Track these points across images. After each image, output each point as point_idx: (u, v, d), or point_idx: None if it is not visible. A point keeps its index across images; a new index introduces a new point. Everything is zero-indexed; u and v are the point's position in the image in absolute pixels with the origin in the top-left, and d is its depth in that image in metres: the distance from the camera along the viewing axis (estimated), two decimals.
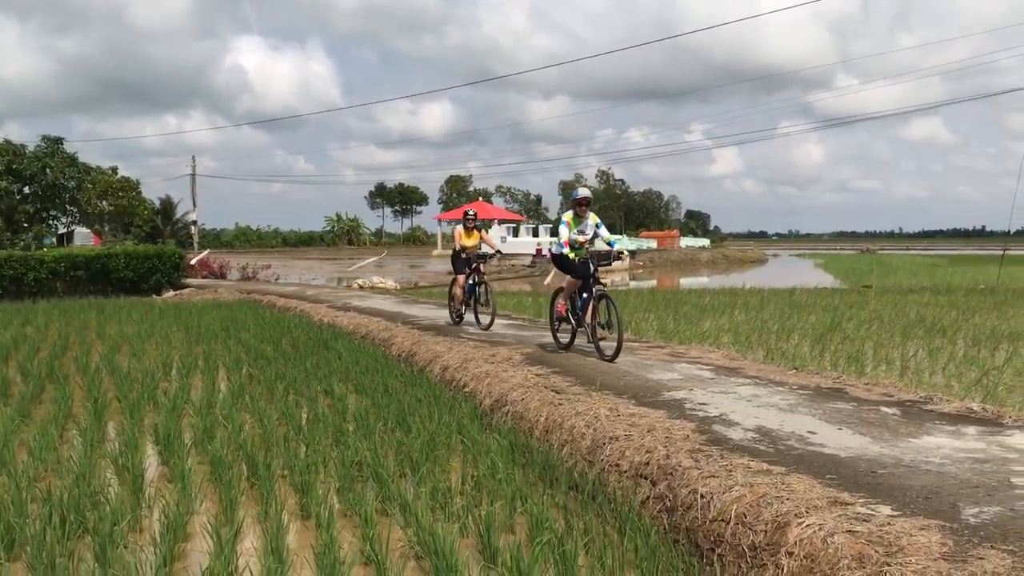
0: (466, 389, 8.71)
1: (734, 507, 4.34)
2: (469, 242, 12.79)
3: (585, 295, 9.41)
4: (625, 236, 69.66)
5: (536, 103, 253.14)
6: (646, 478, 5.23)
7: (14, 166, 50.13)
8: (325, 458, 6.35)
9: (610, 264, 9.55)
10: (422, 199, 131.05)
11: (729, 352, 10.47)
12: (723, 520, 4.34)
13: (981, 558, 3.40)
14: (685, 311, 17.07)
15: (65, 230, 57.01)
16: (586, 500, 5.30)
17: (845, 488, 4.43)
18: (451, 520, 5.11)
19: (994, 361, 10.45)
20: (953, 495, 4.27)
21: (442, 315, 15.36)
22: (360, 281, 34.40)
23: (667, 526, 4.75)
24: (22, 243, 46.84)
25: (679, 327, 14.02)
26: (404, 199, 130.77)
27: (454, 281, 13.32)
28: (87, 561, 4.53)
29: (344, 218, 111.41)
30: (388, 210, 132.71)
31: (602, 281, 9.43)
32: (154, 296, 26.96)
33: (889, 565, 3.40)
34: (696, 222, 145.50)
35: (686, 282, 40.05)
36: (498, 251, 13.20)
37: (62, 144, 53.48)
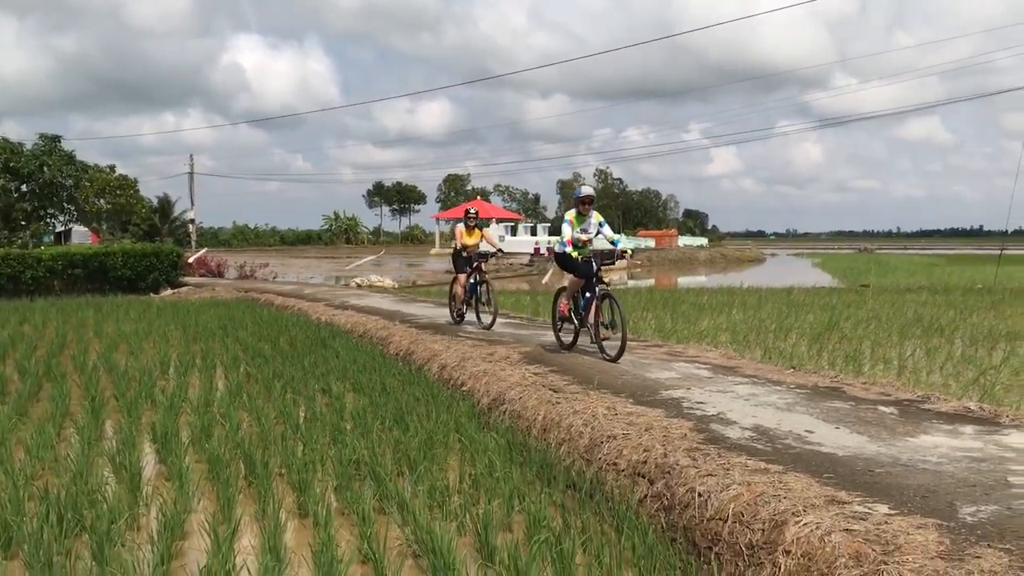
0: (464, 388, 8.71)
1: (731, 506, 4.35)
2: (470, 240, 12.64)
3: (588, 294, 9.30)
4: (623, 235, 69.65)
5: (534, 102, 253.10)
6: (644, 476, 5.24)
7: (11, 164, 50.02)
8: (323, 456, 6.35)
9: (613, 263, 9.40)
10: (420, 198, 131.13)
11: (727, 351, 10.48)
12: (720, 519, 4.34)
13: (978, 557, 3.41)
14: (683, 310, 17.08)
15: (63, 228, 56.93)
16: (584, 499, 5.30)
17: (842, 487, 4.44)
18: (449, 518, 5.11)
19: (991, 360, 10.47)
20: (950, 494, 4.27)
21: (440, 314, 15.35)
22: (358, 280, 34.38)
23: (664, 525, 4.75)
24: (19, 241, 46.80)
25: (677, 326, 14.03)
26: (402, 198, 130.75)
27: (455, 280, 13.17)
28: (84, 559, 4.53)
29: (342, 217, 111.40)
30: (386, 209, 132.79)
31: (605, 280, 9.33)
32: (152, 294, 26.95)
33: (886, 564, 3.40)
34: (694, 221, 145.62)
35: (684, 281, 40.08)
36: (500, 249, 13.07)
37: (60, 142, 53.34)
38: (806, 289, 24.49)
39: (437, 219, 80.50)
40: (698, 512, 4.53)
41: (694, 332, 13.22)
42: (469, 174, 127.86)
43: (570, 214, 9.50)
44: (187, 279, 31.02)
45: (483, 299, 12.72)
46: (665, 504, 4.86)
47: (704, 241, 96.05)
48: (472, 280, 12.64)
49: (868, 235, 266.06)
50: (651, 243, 75.89)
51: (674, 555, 4.36)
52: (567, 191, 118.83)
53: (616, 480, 5.43)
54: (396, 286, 31.75)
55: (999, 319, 15.21)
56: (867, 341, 12.22)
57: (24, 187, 52.38)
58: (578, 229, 9.46)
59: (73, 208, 55.38)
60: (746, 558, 4.03)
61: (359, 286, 30.70)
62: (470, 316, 13.06)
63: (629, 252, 9.52)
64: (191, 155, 59.33)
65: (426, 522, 4.72)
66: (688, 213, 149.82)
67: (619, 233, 10.33)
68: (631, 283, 38.54)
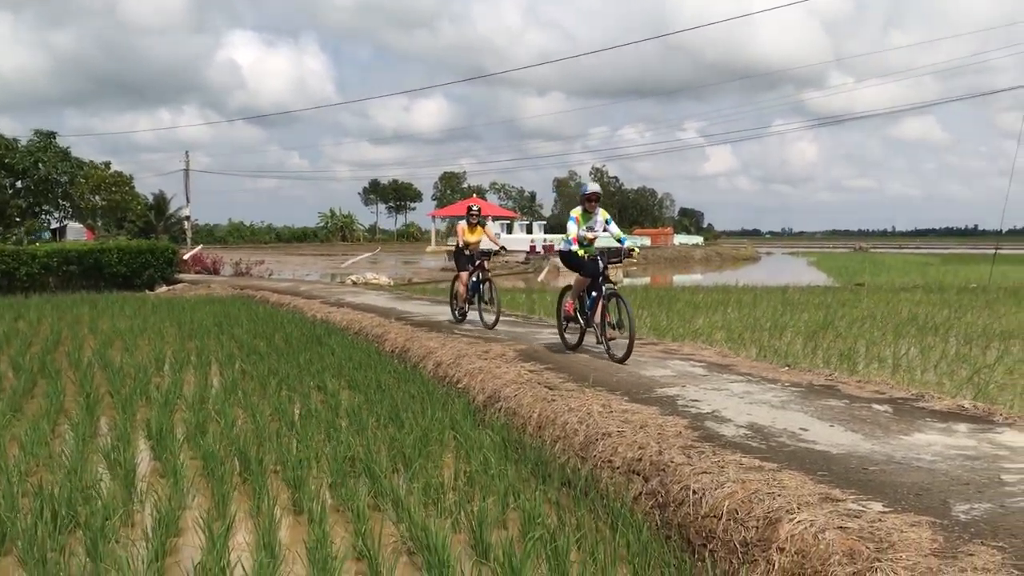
0: (459, 385, 8.72)
1: (726, 503, 4.36)
2: (473, 238, 12.40)
3: (594, 293, 9.09)
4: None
5: (530, 100, 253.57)
6: (638, 474, 5.24)
7: (6, 160, 49.79)
8: (318, 453, 6.35)
9: (620, 261, 9.16)
10: (416, 196, 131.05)
11: (722, 349, 10.49)
12: (715, 516, 4.35)
13: (971, 554, 3.42)
14: (678, 308, 17.09)
15: (58, 225, 56.76)
16: (578, 496, 5.30)
17: (836, 484, 4.45)
18: (443, 515, 5.11)
19: (985, 359, 10.49)
20: (944, 492, 4.28)
21: (436, 311, 15.35)
22: (354, 277, 34.37)
23: (659, 522, 4.76)
24: (14, 238, 46.64)
25: (672, 324, 14.04)
26: (398, 195, 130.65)
27: (457, 278, 12.91)
28: (78, 556, 4.52)
29: (338, 214, 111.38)
30: (382, 206, 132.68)
31: (612, 279, 9.08)
32: (147, 291, 26.92)
33: (880, 561, 3.41)
34: (690, 219, 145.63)
35: (679, 279, 40.13)
36: (502, 247, 12.83)
37: (55, 138, 53.13)
38: (801, 288, 24.52)
39: (433, 217, 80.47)
40: (693, 509, 4.53)
41: (689, 330, 13.24)
42: (465, 172, 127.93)
43: (576, 211, 9.32)
44: (182, 276, 30.97)
45: (486, 298, 12.41)
46: (660, 501, 4.86)
47: (700, 239, 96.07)
48: (475, 278, 12.43)
49: (863, 234, 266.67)
50: (647, 241, 75.90)
51: (668, 552, 4.36)
52: (563, 189, 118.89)
53: (611, 477, 5.43)
54: (392, 284, 31.74)
55: (993, 318, 15.25)
56: (862, 340, 12.24)
57: (19, 183, 52.19)
58: (584, 227, 9.28)
59: (68, 205, 55.18)
60: (740, 555, 4.04)
61: (355, 283, 30.68)
62: (472, 315, 12.84)
63: (636, 250, 9.32)
64: (187, 152, 59.23)
65: (421, 519, 4.73)
66: (684, 211, 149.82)
67: None
68: (627, 281, 38.56)
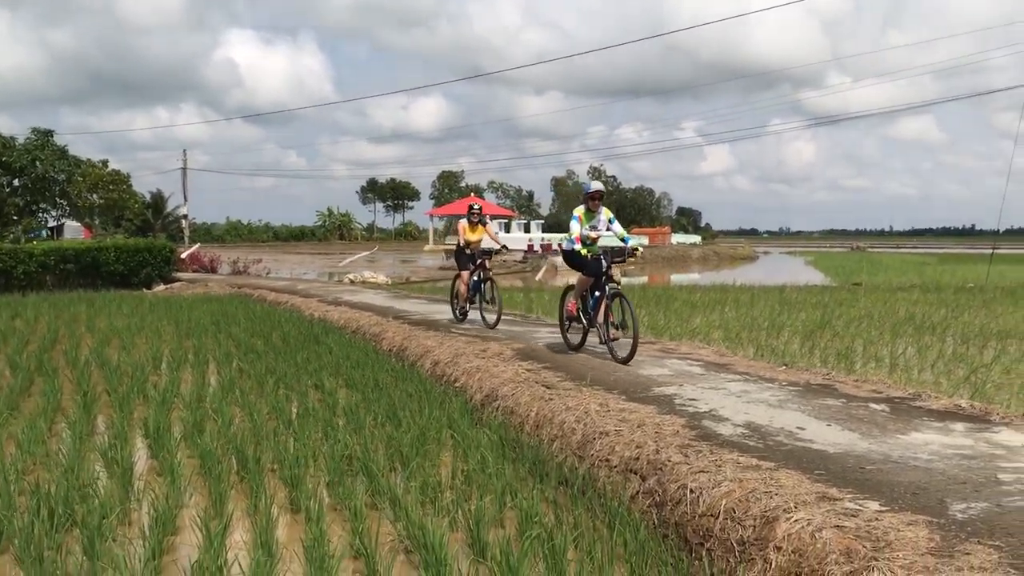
0: (457, 384, 8.72)
1: (723, 502, 4.36)
2: (474, 237, 12.23)
3: (597, 293, 8.98)
4: None
5: (528, 99, 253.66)
6: (636, 473, 5.24)
7: (3, 158, 49.66)
8: (315, 452, 6.34)
9: (624, 261, 8.98)
10: (414, 194, 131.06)
11: (719, 348, 10.50)
12: (712, 515, 4.35)
13: (968, 553, 3.42)
14: (676, 307, 17.10)
15: (55, 223, 56.68)
16: (576, 495, 5.31)
17: (833, 484, 4.45)
18: (441, 514, 5.11)
19: (982, 359, 10.51)
20: (941, 491, 4.29)
21: (433, 310, 15.35)
22: (351, 276, 34.34)
23: (656, 521, 4.76)
24: (11, 236, 46.57)
25: (670, 323, 14.05)
26: (396, 194, 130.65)
27: (458, 277, 12.73)
28: (75, 554, 4.52)
29: (335, 213, 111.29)
30: (380, 205, 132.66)
31: (616, 279, 8.95)
32: (144, 290, 26.88)
33: (876, 560, 3.41)
34: (687, 219, 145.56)
35: (677, 278, 40.16)
36: (504, 246, 12.64)
37: (52, 136, 53.09)
38: (798, 287, 24.54)
39: (431, 216, 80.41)
40: (690, 508, 4.54)
41: (687, 329, 13.24)
42: (463, 171, 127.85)
43: (579, 210, 9.21)
44: (180, 275, 30.93)
45: (487, 297, 12.25)
46: (657, 500, 4.87)
47: (697, 239, 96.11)
48: (476, 277, 12.28)
49: (860, 234, 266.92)
50: (644, 240, 75.93)
51: (665, 551, 4.37)
52: (561, 188, 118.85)
53: (608, 476, 5.44)
54: (389, 282, 31.73)
55: (990, 318, 15.27)
56: (859, 339, 12.25)
57: (16, 182, 52.11)
58: (587, 226, 9.16)
59: (65, 203, 55.11)
60: (737, 554, 4.04)
61: (352, 282, 30.67)
62: (473, 314, 12.71)
63: (640, 249, 9.16)
64: (184, 150, 59.14)
65: (418, 518, 4.73)
66: (681, 211, 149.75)
67: None
68: (624, 280, 38.51)
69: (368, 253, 65.34)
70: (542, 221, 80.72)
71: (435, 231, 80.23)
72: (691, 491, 4.62)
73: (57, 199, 54.67)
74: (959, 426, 5.81)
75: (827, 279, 35.18)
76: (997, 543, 3.53)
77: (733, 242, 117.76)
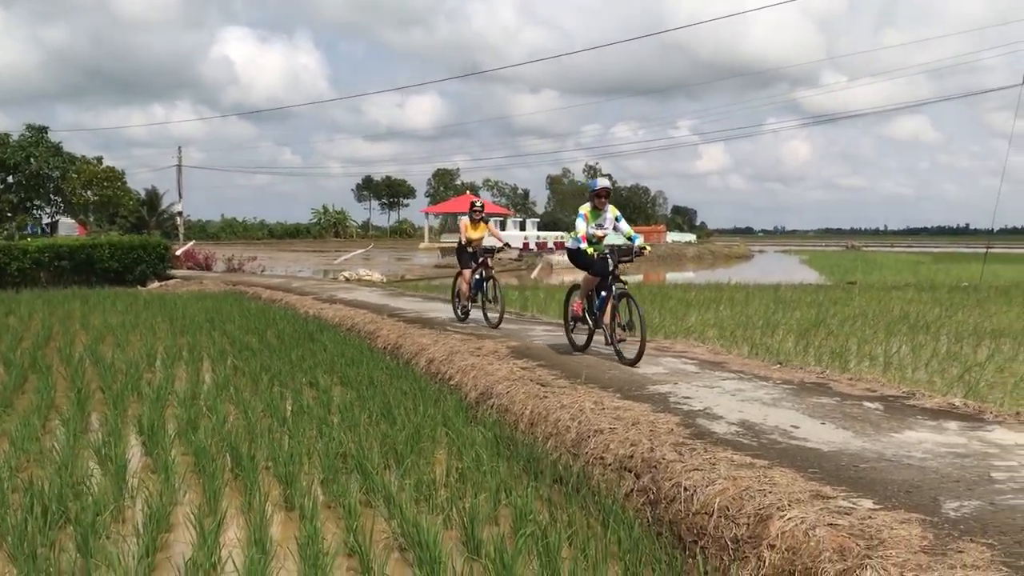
0: (452, 382, 8.71)
1: (717, 500, 4.37)
2: (475, 234, 12.05)
3: (603, 293, 8.75)
4: None
5: (524, 97, 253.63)
6: (630, 471, 5.25)
7: None
8: (309, 450, 6.34)
9: (631, 260, 8.80)
10: (409, 192, 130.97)
11: (714, 347, 10.51)
12: (706, 513, 4.36)
13: (960, 551, 3.43)
14: (671, 306, 17.11)
15: (49, 220, 56.56)
16: (570, 493, 5.31)
17: (827, 482, 4.46)
18: (435, 512, 5.11)
19: (976, 357, 10.53)
20: (934, 489, 4.30)
21: (428, 308, 15.35)
22: (346, 274, 34.33)
23: (650, 519, 4.77)
24: (5, 233, 46.45)
25: (664, 321, 14.05)
26: (391, 192, 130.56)
27: (459, 276, 12.50)
28: (69, 551, 4.51)
29: (331, 210, 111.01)
30: (375, 203, 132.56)
31: (622, 279, 8.71)
32: (139, 287, 26.82)
33: (870, 558, 3.42)
34: (682, 217, 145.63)
35: (672, 277, 40.14)
36: (506, 244, 12.51)
37: (47, 133, 53.01)
38: (793, 286, 24.58)
39: (426, 213, 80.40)
40: (684, 506, 4.54)
41: (682, 328, 13.25)
42: (459, 169, 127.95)
43: (584, 208, 8.97)
44: (175, 272, 30.87)
45: (489, 296, 11.97)
46: (651, 498, 4.87)
47: (692, 237, 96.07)
48: (478, 276, 12.06)
49: (855, 232, 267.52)
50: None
51: (660, 549, 4.37)
52: (556, 186, 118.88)
53: (603, 474, 5.44)
54: (385, 280, 31.71)
55: (984, 317, 15.31)
56: (853, 338, 12.27)
57: (10, 178, 52.03)
58: (593, 224, 8.94)
59: (60, 200, 55.05)
60: (731, 552, 4.05)
61: (347, 280, 30.65)
62: (475, 314, 12.53)
63: (647, 248, 8.93)
64: (179, 147, 59.11)
65: (412, 515, 4.72)
66: (676, 209, 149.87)
67: None
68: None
69: (363, 251, 65.28)
70: (538, 219, 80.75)
71: (430, 229, 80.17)
72: (685, 489, 4.63)
73: (51, 196, 54.62)
74: (953, 425, 5.83)
75: (822, 278, 35.21)
76: (990, 541, 3.54)
77: (728, 241, 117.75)
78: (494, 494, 5.28)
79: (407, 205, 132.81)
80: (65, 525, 4.86)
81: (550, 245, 59.47)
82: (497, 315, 11.77)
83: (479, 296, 12.18)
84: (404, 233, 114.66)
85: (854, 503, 4.09)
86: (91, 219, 57.34)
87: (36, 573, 4.17)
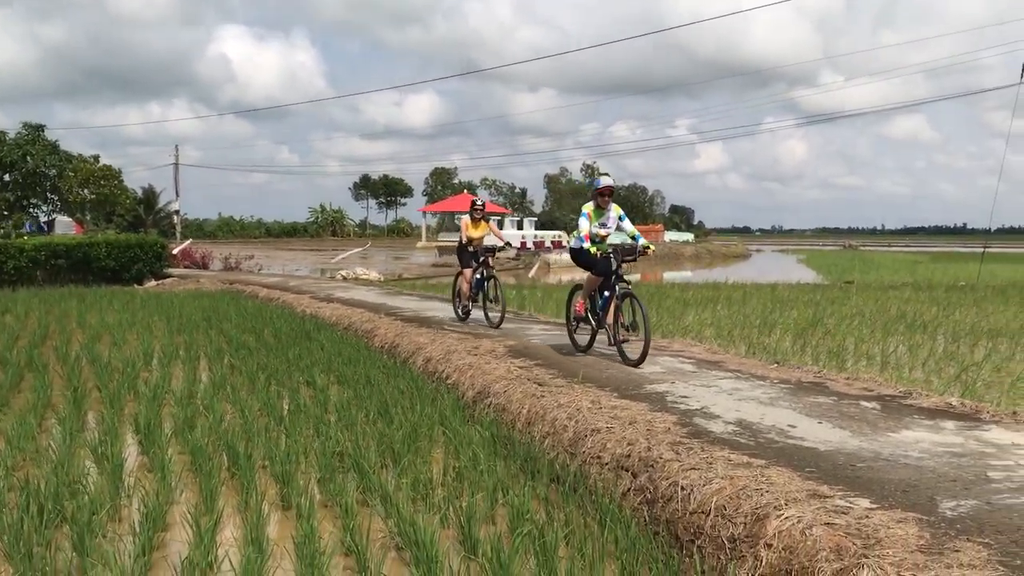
0: (449, 381, 8.71)
1: (714, 499, 4.36)
2: (476, 233, 11.91)
3: (607, 293, 8.61)
4: None
5: (522, 96, 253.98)
6: (627, 470, 5.25)
7: None
8: (306, 448, 6.33)
9: (635, 259, 8.72)
10: (407, 191, 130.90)
11: (711, 346, 10.52)
12: (703, 512, 4.36)
13: (957, 551, 3.43)
14: (668, 305, 17.12)
15: (46, 218, 56.49)
16: (567, 492, 5.31)
17: (824, 481, 4.46)
18: (432, 511, 5.11)
19: (973, 357, 10.54)
20: (931, 488, 4.30)
21: (426, 307, 15.34)
22: (343, 272, 34.31)
23: (647, 518, 4.76)
24: (2, 231, 46.38)
25: (662, 321, 14.06)
26: (389, 191, 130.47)
27: (460, 275, 12.35)
28: (65, 550, 4.50)
29: (328, 209, 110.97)
30: (372, 202, 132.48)
31: (626, 278, 8.58)
32: (136, 286, 26.78)
33: (867, 557, 3.42)
34: (680, 217, 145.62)
35: (669, 276, 40.18)
36: (508, 243, 12.36)
37: (43, 131, 52.93)
38: (790, 285, 24.60)
39: (424, 212, 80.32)
40: (681, 505, 4.54)
41: (679, 327, 13.26)
42: (456, 167, 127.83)
43: (587, 207, 8.86)
44: (171, 270, 30.84)
45: (490, 295, 11.84)
46: (648, 497, 4.87)
47: (690, 236, 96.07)
48: (478, 275, 11.90)
49: (853, 232, 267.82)
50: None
51: (656, 548, 4.37)
52: (554, 185, 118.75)
53: (600, 473, 5.44)
54: (382, 279, 31.70)
55: (981, 316, 15.33)
56: (850, 337, 12.28)
57: (7, 177, 51.95)
58: (596, 223, 8.82)
59: (57, 198, 54.97)
60: (728, 551, 4.05)
61: (345, 279, 30.63)
62: (476, 314, 12.39)
63: (651, 248, 8.85)
64: (176, 146, 59.15)
65: (409, 515, 4.72)
66: (674, 209, 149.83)
67: None
68: None
69: (361, 250, 65.23)
70: (535, 219, 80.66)
71: (428, 228, 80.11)
72: (682, 488, 4.63)
73: (48, 194, 54.53)
74: (949, 424, 5.83)
75: (819, 277, 35.25)
76: (987, 540, 3.54)
77: (726, 240, 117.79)
78: (491, 493, 5.27)
79: (404, 204, 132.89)
80: (61, 524, 4.85)
81: (547, 244, 59.46)
82: (498, 315, 11.67)
83: (480, 296, 12.06)
84: (401, 232, 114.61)
85: (851, 502, 4.09)
86: (88, 217, 57.30)
87: (32, 572, 4.17)
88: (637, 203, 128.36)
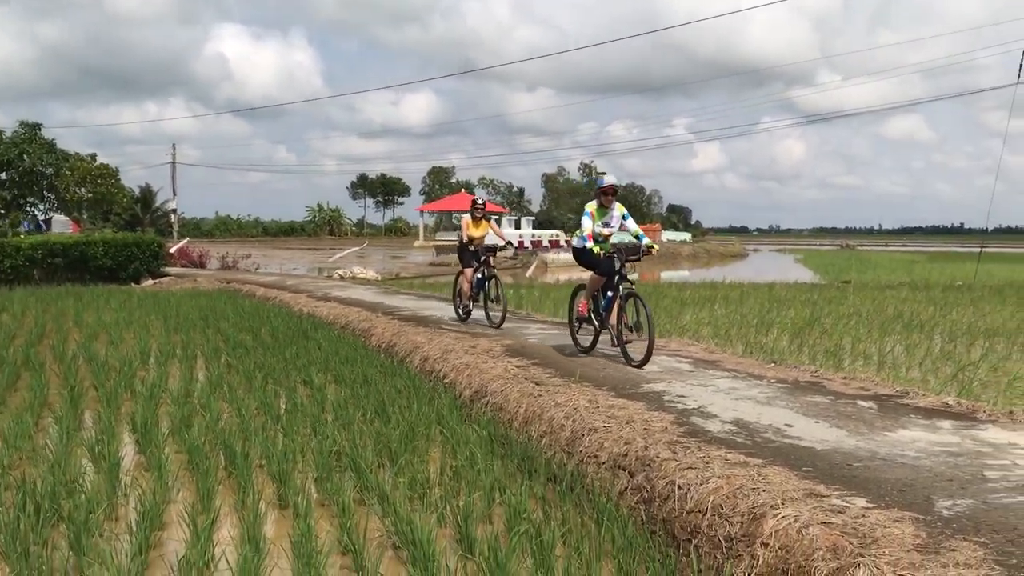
0: (446, 380, 8.71)
1: (711, 498, 4.37)
2: (477, 233, 11.80)
3: (610, 293, 8.53)
4: None
5: (519, 95, 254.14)
6: (624, 469, 5.25)
7: None
8: (303, 448, 6.33)
9: (639, 259, 8.57)
10: (404, 190, 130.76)
11: (708, 345, 10.52)
12: (700, 511, 4.36)
13: (953, 550, 3.44)
14: (665, 304, 17.12)
15: (43, 217, 56.40)
16: (564, 491, 5.31)
17: (821, 480, 4.47)
18: (429, 510, 5.11)
19: (970, 357, 10.56)
20: (927, 488, 4.31)
21: (423, 306, 15.34)
22: (341, 271, 34.29)
23: (644, 517, 4.77)
24: None
25: (659, 320, 14.05)
26: (386, 190, 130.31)
27: (460, 275, 12.26)
28: (62, 549, 4.50)
29: (325, 208, 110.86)
30: (370, 201, 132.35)
31: (630, 278, 8.49)
32: (133, 284, 26.74)
33: (863, 556, 3.43)
34: (678, 216, 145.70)
35: (667, 275, 40.17)
36: (509, 242, 12.24)
37: (40, 130, 52.85)
38: (788, 285, 24.61)
39: (421, 211, 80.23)
40: (678, 505, 4.54)
41: (676, 326, 13.27)
42: (454, 167, 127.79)
43: (590, 205, 8.76)
44: (168, 269, 30.79)
45: (492, 295, 11.76)
46: (645, 497, 4.87)
47: (687, 236, 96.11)
48: (479, 275, 11.77)
49: (850, 232, 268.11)
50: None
51: (653, 547, 4.38)
52: (551, 185, 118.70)
53: (597, 473, 5.44)
54: (379, 278, 31.69)
55: (978, 316, 15.35)
56: (847, 336, 12.29)
57: (3, 175, 51.86)
58: (599, 222, 8.73)
59: (53, 197, 54.88)
60: (725, 550, 4.05)
61: (342, 278, 30.62)
62: (477, 313, 12.30)
63: (655, 247, 8.75)
64: (173, 144, 58.91)
65: (406, 513, 4.72)
66: (672, 208, 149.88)
67: None
68: None
69: (358, 249, 65.20)
70: (533, 218, 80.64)
71: (425, 227, 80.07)
72: (679, 487, 4.63)
73: (45, 193, 54.44)
74: (946, 424, 5.84)
75: (816, 277, 35.28)
76: (983, 540, 3.55)
77: (723, 239, 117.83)
78: (488, 492, 5.27)
79: (402, 203, 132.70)
80: (58, 523, 4.84)
81: (545, 244, 59.47)
82: (499, 315, 11.56)
83: (481, 295, 11.95)
84: (399, 231, 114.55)
85: (847, 502, 4.09)
86: (85, 216, 57.20)
87: (29, 571, 4.17)
88: (635, 202, 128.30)
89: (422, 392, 8.19)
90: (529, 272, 40.22)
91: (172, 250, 34.83)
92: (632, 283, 8.49)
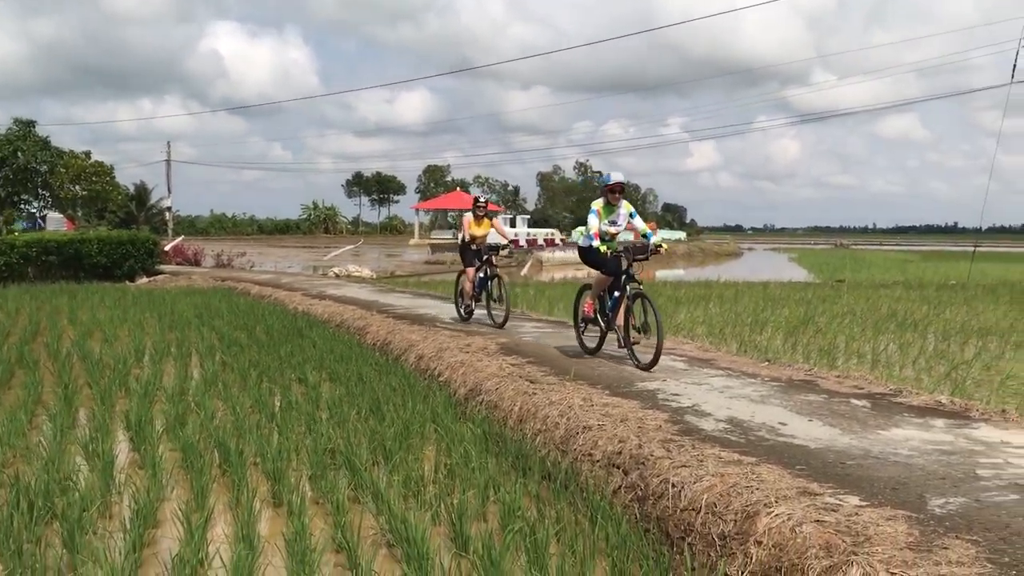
0: (441, 378, 8.71)
1: (704, 496, 4.38)
2: (479, 231, 11.59)
3: (617, 294, 8.31)
4: None
5: (515, 94, 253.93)
6: (618, 467, 5.26)
7: None
8: (298, 446, 6.33)
9: (647, 258, 8.36)
10: (400, 188, 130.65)
11: (703, 344, 10.53)
12: (693, 509, 4.37)
13: (946, 548, 3.45)
14: (660, 303, 17.07)
15: (38, 215, 56.25)
16: (558, 489, 5.31)
17: (814, 479, 4.48)
18: (423, 508, 5.12)
19: (963, 355, 10.59)
20: (920, 486, 4.32)
21: (418, 304, 15.33)
22: (336, 269, 34.28)
23: (638, 515, 4.77)
24: None
25: None
26: (381, 188, 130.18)
27: (462, 274, 12.09)
28: (55, 547, 4.49)
29: (320, 206, 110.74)
30: (365, 199, 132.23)
31: (637, 278, 8.29)
32: (127, 282, 26.70)
33: (856, 554, 3.44)
34: (673, 215, 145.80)
35: (661, 274, 40.18)
36: (512, 241, 12.06)
37: (34, 127, 52.73)
38: (782, 283, 24.66)
39: (416, 210, 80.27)
40: (671, 503, 4.55)
41: (671, 325, 13.27)
42: (449, 165, 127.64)
43: (597, 203, 8.50)
44: (163, 267, 30.74)
45: (494, 295, 11.59)
46: (639, 495, 4.88)
47: (682, 235, 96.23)
48: (482, 274, 11.58)
49: (844, 231, 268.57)
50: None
51: (647, 545, 4.38)
52: (547, 183, 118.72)
53: (591, 471, 5.45)
54: (374, 276, 31.68)
55: (971, 315, 15.39)
56: (841, 335, 12.32)
57: None
58: (606, 220, 8.49)
59: (48, 194, 54.78)
60: (718, 548, 4.06)
61: (337, 276, 30.60)
62: (479, 313, 12.14)
63: (664, 246, 8.45)
64: (168, 142, 58.89)
65: (400, 511, 4.72)
66: (667, 207, 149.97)
67: None
68: None
69: (353, 247, 65.11)
70: (528, 216, 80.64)
71: (421, 225, 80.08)
72: (673, 485, 4.64)
73: (39, 190, 54.33)
74: (939, 422, 5.86)
75: (811, 276, 35.34)
76: (975, 538, 3.56)
77: (718, 238, 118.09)
78: (482, 490, 5.28)
79: (397, 201, 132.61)
80: (51, 521, 4.83)
81: (540, 242, 59.49)
82: (502, 315, 11.36)
83: (483, 295, 11.78)
84: (394, 229, 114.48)
85: (841, 500, 4.10)
86: (79, 214, 57.07)
87: (22, 568, 4.16)
88: (630, 201, 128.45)
89: (417, 390, 8.19)
90: (524, 271, 40.23)
91: (167, 248, 34.78)
92: (640, 283, 8.30)
